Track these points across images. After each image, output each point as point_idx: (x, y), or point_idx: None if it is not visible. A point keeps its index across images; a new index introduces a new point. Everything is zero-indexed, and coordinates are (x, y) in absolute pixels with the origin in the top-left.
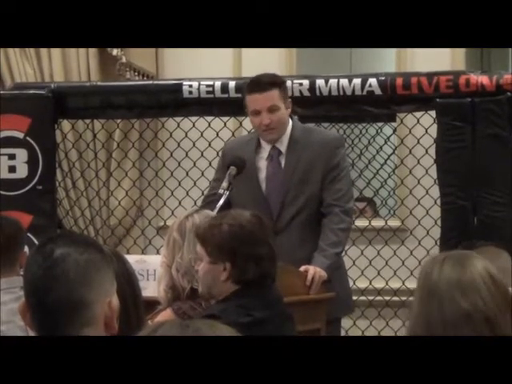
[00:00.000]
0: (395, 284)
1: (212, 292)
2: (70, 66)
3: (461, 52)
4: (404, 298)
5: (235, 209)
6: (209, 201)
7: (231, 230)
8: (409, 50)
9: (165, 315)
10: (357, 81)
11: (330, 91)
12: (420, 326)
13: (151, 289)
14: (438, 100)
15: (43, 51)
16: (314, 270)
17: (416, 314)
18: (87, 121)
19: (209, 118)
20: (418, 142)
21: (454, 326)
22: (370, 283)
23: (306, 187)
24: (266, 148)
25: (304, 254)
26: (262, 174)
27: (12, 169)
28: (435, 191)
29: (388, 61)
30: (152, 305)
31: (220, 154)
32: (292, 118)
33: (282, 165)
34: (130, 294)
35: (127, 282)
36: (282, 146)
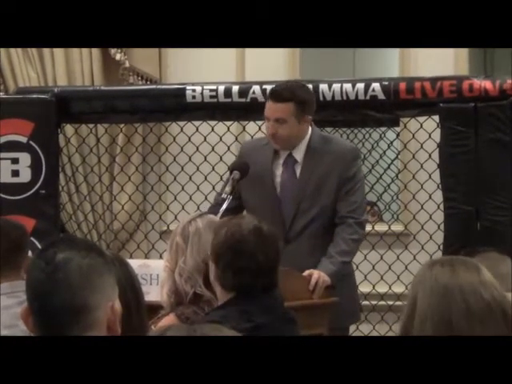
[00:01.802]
0: (398, 288)
1: (214, 287)
2: (74, 70)
3: (464, 55)
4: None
5: (249, 214)
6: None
7: (225, 236)
8: (412, 54)
9: (168, 320)
10: (360, 85)
11: (333, 96)
12: (434, 324)
13: (154, 293)
14: (441, 105)
15: (46, 55)
16: (318, 275)
17: (425, 314)
18: (90, 125)
19: (212, 123)
20: (422, 147)
21: (478, 318)
22: (374, 288)
23: (320, 198)
24: (282, 154)
25: (313, 263)
26: (277, 180)
27: (15, 173)
28: (438, 196)
29: (391, 64)
30: (155, 309)
31: (237, 154)
32: (312, 126)
33: (297, 174)
34: (133, 298)
35: (130, 286)
36: (299, 154)
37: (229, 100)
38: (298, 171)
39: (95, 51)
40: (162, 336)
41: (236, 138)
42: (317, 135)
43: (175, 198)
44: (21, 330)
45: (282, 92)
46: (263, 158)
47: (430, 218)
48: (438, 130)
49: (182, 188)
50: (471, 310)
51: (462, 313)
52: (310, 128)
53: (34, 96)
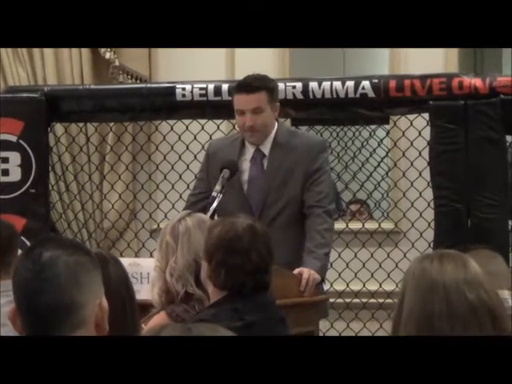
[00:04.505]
0: (389, 286)
1: (206, 286)
2: (63, 69)
3: (454, 53)
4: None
5: (241, 215)
6: (194, 200)
7: (218, 234)
8: (402, 52)
9: (158, 318)
10: (350, 83)
11: (323, 94)
12: (417, 321)
13: (144, 292)
14: (431, 102)
15: (36, 54)
16: (308, 273)
17: (411, 309)
18: (80, 124)
19: (202, 121)
20: (412, 145)
21: (460, 319)
22: (364, 286)
23: (287, 190)
24: (250, 150)
25: (284, 255)
26: (245, 176)
27: (5, 172)
28: (428, 194)
29: (381, 62)
30: (145, 308)
31: (204, 153)
32: (278, 121)
33: (265, 167)
34: (127, 297)
35: (124, 284)
36: (266, 148)
37: (219, 98)
38: (266, 165)
39: (85, 50)
40: (159, 336)
41: None
42: (283, 130)
43: (165, 197)
44: (10, 329)
45: (253, 82)
46: (229, 154)
47: (421, 215)
48: (428, 128)
49: (172, 187)
50: (453, 310)
51: (444, 313)
52: (276, 123)
53: (24, 95)
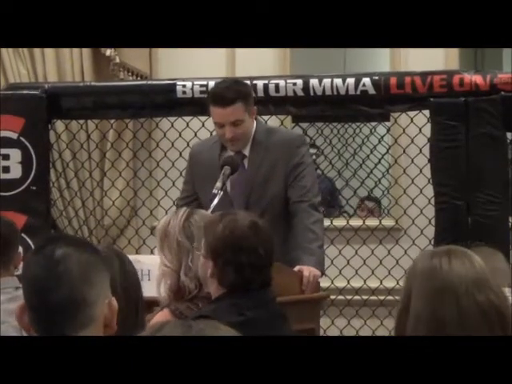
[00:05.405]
0: (389, 283)
1: (206, 284)
2: (64, 66)
3: (455, 51)
4: (398, 298)
5: (241, 210)
6: (182, 204)
7: (222, 232)
8: (403, 50)
9: (162, 315)
10: (350, 80)
11: (323, 91)
12: (427, 326)
13: (145, 289)
14: (431, 99)
15: (37, 52)
16: (309, 271)
17: (420, 313)
18: (81, 121)
19: (202, 118)
20: (412, 142)
21: (471, 323)
22: (365, 282)
23: (269, 188)
24: (230, 151)
25: None
26: None
27: (6, 169)
28: (429, 191)
29: (382, 60)
30: (147, 305)
31: (187, 156)
32: (256, 119)
33: (246, 167)
34: (137, 294)
35: (135, 281)
36: (246, 149)
37: None
38: (246, 165)
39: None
40: (159, 336)
41: None
42: (261, 128)
43: (166, 194)
44: (11, 326)
45: (227, 95)
46: (211, 156)
47: (421, 212)
48: (429, 125)
49: (173, 184)
50: (464, 315)
51: (455, 320)
52: (254, 122)
53: (25, 92)
